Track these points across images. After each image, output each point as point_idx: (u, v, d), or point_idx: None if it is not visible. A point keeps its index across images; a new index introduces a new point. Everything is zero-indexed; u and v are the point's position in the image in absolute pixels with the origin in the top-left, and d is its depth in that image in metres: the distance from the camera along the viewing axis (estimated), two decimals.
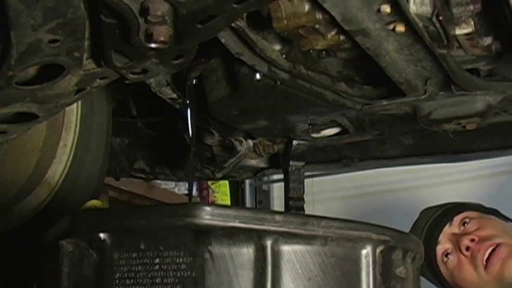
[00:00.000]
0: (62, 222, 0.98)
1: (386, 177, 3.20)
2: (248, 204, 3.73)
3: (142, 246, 0.91)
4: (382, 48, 1.08)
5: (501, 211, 1.84)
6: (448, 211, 1.77)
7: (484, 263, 1.65)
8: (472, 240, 1.67)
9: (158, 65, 1.04)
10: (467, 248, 1.67)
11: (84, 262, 0.95)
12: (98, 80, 1.07)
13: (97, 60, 1.02)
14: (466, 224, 1.72)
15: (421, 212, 1.86)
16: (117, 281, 0.91)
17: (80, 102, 1.50)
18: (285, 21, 1.05)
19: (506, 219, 1.80)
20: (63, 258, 0.96)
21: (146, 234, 0.91)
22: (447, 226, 1.73)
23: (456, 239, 1.70)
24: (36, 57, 0.93)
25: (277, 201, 3.75)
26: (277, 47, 1.16)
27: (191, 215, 0.89)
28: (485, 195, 1.97)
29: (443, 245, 1.72)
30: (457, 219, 1.73)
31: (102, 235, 0.93)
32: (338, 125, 1.51)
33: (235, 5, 0.89)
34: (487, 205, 1.84)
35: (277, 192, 3.75)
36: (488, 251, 1.66)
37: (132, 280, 0.91)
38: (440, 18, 1.02)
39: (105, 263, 0.93)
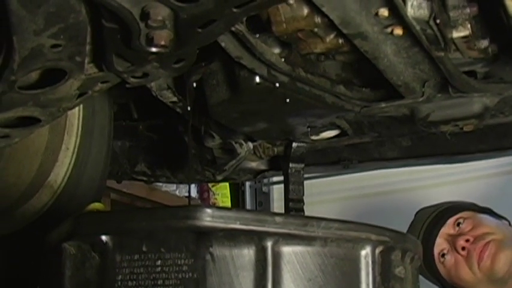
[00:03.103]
0: (64, 225, 0.99)
1: (385, 178, 3.20)
2: (248, 206, 3.72)
3: (144, 248, 0.91)
4: (380, 51, 1.09)
5: (499, 212, 1.85)
6: (443, 212, 1.80)
7: (478, 261, 1.69)
8: (467, 240, 1.71)
9: (159, 69, 1.04)
10: (463, 248, 1.70)
11: (87, 264, 0.95)
12: (99, 84, 1.07)
13: (98, 64, 1.03)
14: (460, 225, 1.75)
15: (417, 213, 1.89)
16: (119, 283, 0.92)
17: (81, 105, 1.50)
18: (284, 25, 1.06)
19: (500, 217, 1.82)
20: (66, 261, 0.96)
21: (148, 236, 0.92)
22: (443, 227, 1.76)
23: (452, 239, 1.74)
24: (39, 61, 0.94)
25: (277, 203, 3.74)
26: (277, 50, 1.17)
27: (192, 217, 0.89)
28: (484, 196, 1.97)
29: (440, 245, 1.76)
30: (452, 220, 1.76)
31: (104, 237, 0.93)
32: (337, 127, 1.51)
33: (235, 9, 0.90)
34: (485, 206, 1.85)
35: (277, 194, 3.74)
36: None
37: (134, 282, 0.91)
38: (438, 21, 1.03)
39: (108, 265, 0.93)
